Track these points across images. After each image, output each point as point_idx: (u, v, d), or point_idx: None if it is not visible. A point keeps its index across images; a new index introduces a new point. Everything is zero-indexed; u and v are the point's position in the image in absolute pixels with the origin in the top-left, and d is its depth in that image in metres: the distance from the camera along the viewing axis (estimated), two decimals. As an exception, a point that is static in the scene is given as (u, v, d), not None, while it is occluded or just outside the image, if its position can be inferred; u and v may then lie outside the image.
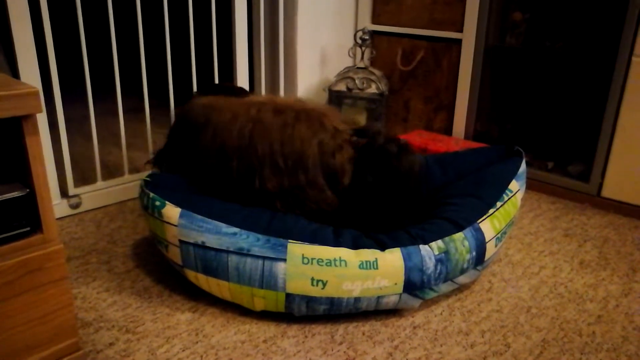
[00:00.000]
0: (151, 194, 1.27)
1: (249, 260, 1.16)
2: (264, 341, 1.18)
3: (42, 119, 1.58)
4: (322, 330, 1.21)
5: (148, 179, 1.34)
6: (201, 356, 1.12)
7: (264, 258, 1.16)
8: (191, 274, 1.24)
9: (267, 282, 1.17)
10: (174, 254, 1.24)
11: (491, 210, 1.36)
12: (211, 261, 1.19)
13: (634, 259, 1.57)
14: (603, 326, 1.26)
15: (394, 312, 1.28)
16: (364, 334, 1.21)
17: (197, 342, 1.16)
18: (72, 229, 1.65)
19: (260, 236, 1.17)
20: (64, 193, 1.74)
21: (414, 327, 1.24)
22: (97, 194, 1.81)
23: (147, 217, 1.30)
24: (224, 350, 1.14)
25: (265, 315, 1.26)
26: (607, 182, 1.87)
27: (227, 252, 1.17)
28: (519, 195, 1.49)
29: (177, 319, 1.24)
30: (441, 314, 1.29)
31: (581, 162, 2.03)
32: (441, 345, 1.18)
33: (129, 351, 1.13)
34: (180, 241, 1.21)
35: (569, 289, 1.41)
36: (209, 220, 1.19)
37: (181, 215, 1.20)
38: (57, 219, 1.71)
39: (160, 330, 1.20)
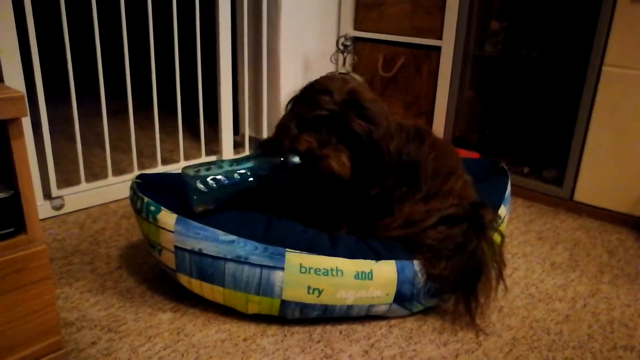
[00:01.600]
0: (145, 199, 1.25)
1: (246, 268, 1.17)
2: (244, 340, 1.21)
3: (25, 121, 1.59)
4: (301, 330, 1.25)
5: (139, 180, 1.34)
6: (182, 354, 1.15)
7: (262, 266, 1.17)
8: (184, 279, 1.25)
9: (264, 289, 1.18)
10: (168, 259, 1.24)
11: None
12: (207, 268, 1.19)
13: (603, 261, 1.63)
14: (570, 325, 1.31)
15: (371, 311, 1.32)
16: (341, 332, 1.25)
17: (178, 341, 1.19)
18: (55, 230, 1.67)
19: (258, 244, 1.18)
20: (47, 195, 1.75)
21: (390, 326, 1.28)
22: (80, 196, 1.82)
23: (140, 221, 1.29)
24: (205, 349, 1.17)
25: (245, 315, 1.29)
26: (579, 187, 1.93)
27: (225, 259, 1.18)
28: (506, 220, 1.52)
29: (159, 318, 1.27)
30: (416, 313, 1.33)
31: (555, 167, 2.09)
32: (415, 344, 1.22)
33: (110, 350, 1.16)
34: (176, 247, 1.21)
35: (540, 290, 1.46)
36: (206, 227, 1.18)
37: (177, 222, 1.19)
38: (40, 220, 1.71)
39: (142, 329, 1.23)
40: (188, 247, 1.19)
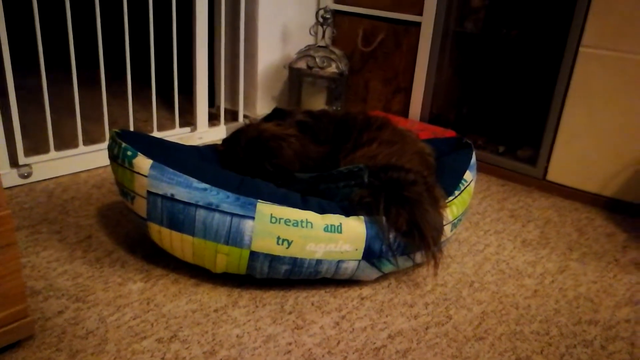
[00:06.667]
0: (123, 144, 1.27)
1: (217, 215, 1.18)
2: (215, 310, 1.20)
3: (-9, 85, 1.54)
4: (273, 301, 1.25)
5: (118, 131, 1.34)
6: (152, 324, 1.14)
7: (232, 215, 1.18)
8: (155, 228, 1.25)
9: (234, 238, 1.19)
10: (140, 206, 1.24)
11: (450, 198, 1.41)
12: (178, 214, 1.20)
13: (572, 239, 1.66)
14: (538, 300, 1.34)
15: (344, 284, 1.33)
16: (313, 304, 1.25)
17: (148, 311, 1.18)
18: (22, 199, 1.62)
19: (230, 194, 1.19)
20: (13, 162, 1.70)
21: (362, 299, 1.28)
22: (49, 164, 1.78)
23: (115, 168, 1.30)
24: (175, 319, 1.16)
25: (217, 286, 1.28)
26: (552, 167, 1.95)
27: (196, 206, 1.18)
28: (473, 185, 1.56)
29: (128, 288, 1.25)
30: (388, 286, 1.34)
31: (530, 146, 2.11)
32: (386, 316, 1.23)
33: (78, 319, 1.14)
34: (149, 192, 1.21)
35: (510, 266, 1.49)
36: (180, 174, 1.20)
37: (152, 167, 1.21)
38: (6, 188, 1.67)
39: (111, 299, 1.21)
40: (161, 192, 1.20)
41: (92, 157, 1.88)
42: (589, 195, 1.90)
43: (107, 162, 1.90)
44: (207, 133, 2.23)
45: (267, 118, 1.65)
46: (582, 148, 1.87)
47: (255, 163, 1.45)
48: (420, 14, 2.19)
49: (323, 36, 2.30)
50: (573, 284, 1.42)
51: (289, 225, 1.19)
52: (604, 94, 1.78)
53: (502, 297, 1.34)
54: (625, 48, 1.72)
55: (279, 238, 1.19)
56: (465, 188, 1.49)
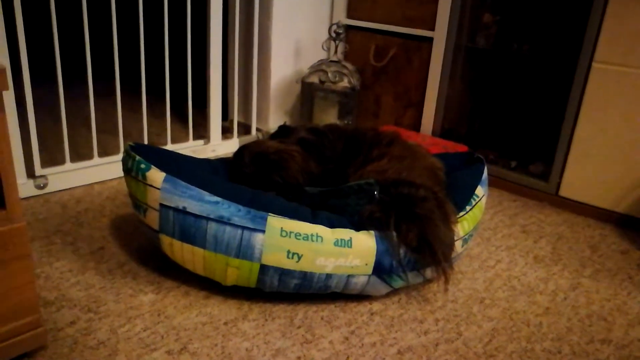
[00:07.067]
0: (137, 157, 1.29)
1: (228, 228, 1.19)
2: (225, 323, 1.20)
3: (9, 99, 1.57)
4: (282, 315, 1.25)
5: (132, 144, 1.36)
6: (162, 336, 1.15)
7: (243, 228, 1.19)
8: (166, 241, 1.26)
9: (244, 251, 1.19)
10: (152, 219, 1.26)
11: (462, 213, 1.41)
12: (190, 227, 1.21)
13: (585, 256, 1.64)
14: (550, 317, 1.33)
15: (353, 299, 1.33)
16: (322, 318, 1.25)
17: (158, 323, 1.19)
18: (38, 210, 1.65)
19: (241, 207, 1.20)
20: (30, 173, 1.73)
21: (371, 314, 1.28)
22: (64, 176, 1.80)
23: (128, 180, 1.31)
24: (185, 331, 1.17)
25: (227, 299, 1.28)
26: (564, 182, 1.94)
27: (208, 219, 1.20)
28: (484, 200, 1.55)
29: (140, 300, 1.26)
30: (398, 301, 1.34)
31: (542, 161, 2.10)
32: (396, 332, 1.23)
33: (90, 330, 1.15)
34: (161, 205, 1.23)
35: (522, 282, 1.47)
36: (193, 187, 1.22)
37: (165, 180, 1.23)
38: (23, 199, 1.70)
39: (123, 310, 1.22)
40: (173, 205, 1.21)
41: (106, 169, 1.91)
42: (602, 211, 1.88)
43: (120, 173, 1.93)
44: (220, 146, 2.26)
45: (273, 136, 1.67)
46: (595, 163, 1.85)
47: (263, 177, 1.46)
48: (432, 29, 2.20)
49: (335, 51, 2.32)
50: (586, 301, 1.41)
51: (299, 239, 1.20)
52: (617, 109, 1.78)
53: (513, 314, 1.33)
54: (639, 64, 1.71)
55: (289, 252, 1.20)
56: (476, 203, 1.48)
